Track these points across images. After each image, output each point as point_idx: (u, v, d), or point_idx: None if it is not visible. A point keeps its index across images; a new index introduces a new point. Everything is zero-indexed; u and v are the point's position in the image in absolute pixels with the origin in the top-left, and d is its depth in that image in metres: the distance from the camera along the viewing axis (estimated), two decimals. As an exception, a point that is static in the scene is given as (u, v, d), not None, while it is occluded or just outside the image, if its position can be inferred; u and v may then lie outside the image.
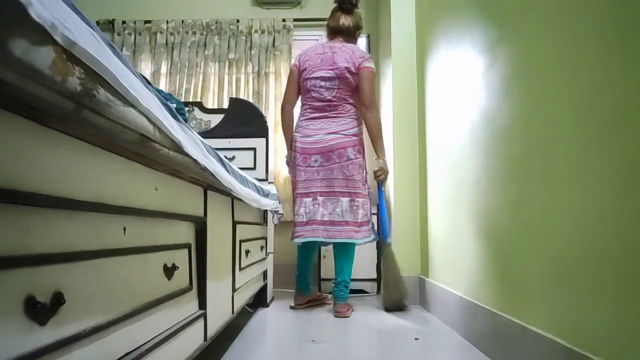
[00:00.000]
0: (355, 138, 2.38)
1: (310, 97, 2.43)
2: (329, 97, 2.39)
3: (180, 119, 0.81)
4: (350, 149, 2.35)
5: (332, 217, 2.33)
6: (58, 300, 0.51)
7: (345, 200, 2.33)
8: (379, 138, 2.39)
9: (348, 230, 2.32)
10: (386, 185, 2.59)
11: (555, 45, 1.13)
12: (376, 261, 2.98)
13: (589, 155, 0.99)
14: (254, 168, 2.71)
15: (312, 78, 2.41)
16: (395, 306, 2.35)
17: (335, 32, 2.50)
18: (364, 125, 2.42)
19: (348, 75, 2.35)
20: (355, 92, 2.39)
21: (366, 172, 2.44)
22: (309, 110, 2.44)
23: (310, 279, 2.54)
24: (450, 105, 2.03)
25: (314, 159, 2.38)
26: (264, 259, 2.41)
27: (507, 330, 1.37)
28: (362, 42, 3.59)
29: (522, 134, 1.31)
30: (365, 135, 2.45)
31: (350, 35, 2.49)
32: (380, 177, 2.44)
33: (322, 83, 2.39)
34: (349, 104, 2.40)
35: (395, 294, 2.35)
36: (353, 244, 2.35)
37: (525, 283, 1.28)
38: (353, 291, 2.94)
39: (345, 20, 2.48)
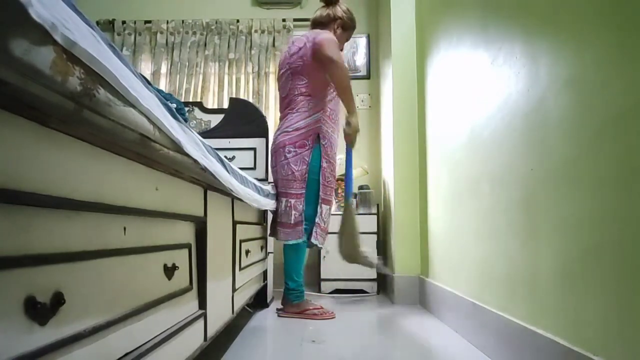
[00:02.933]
0: (297, 132, 2.26)
1: (280, 98, 2.44)
2: (285, 94, 2.36)
3: (180, 119, 0.81)
4: (290, 146, 2.26)
5: (275, 215, 2.34)
6: (58, 300, 0.51)
7: (283, 200, 2.27)
8: (343, 92, 2.23)
9: (284, 232, 2.29)
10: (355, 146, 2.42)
11: (557, 42, 1.13)
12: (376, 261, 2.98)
13: (589, 154, 0.99)
14: (254, 168, 2.71)
15: (278, 78, 2.43)
16: (351, 258, 2.43)
17: (311, 25, 2.47)
18: (319, 113, 2.28)
19: (299, 62, 2.25)
20: (309, 78, 2.26)
21: (328, 163, 2.32)
22: (281, 111, 2.44)
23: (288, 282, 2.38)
24: (451, 105, 2.03)
25: (272, 159, 2.38)
26: (264, 259, 2.41)
27: (507, 331, 1.37)
28: (362, 42, 3.60)
29: (523, 133, 1.31)
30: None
31: (324, 25, 2.39)
32: (349, 137, 2.33)
33: (283, 80, 2.36)
34: (302, 94, 2.28)
35: (350, 247, 2.41)
36: (289, 246, 2.30)
37: (526, 283, 1.28)
38: (353, 291, 2.95)
39: (319, 12, 2.43)
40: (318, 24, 2.42)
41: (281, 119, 2.40)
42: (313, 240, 2.29)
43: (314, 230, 2.29)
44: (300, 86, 2.29)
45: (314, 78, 2.27)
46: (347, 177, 2.45)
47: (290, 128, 2.28)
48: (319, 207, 2.30)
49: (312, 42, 2.22)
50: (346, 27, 2.43)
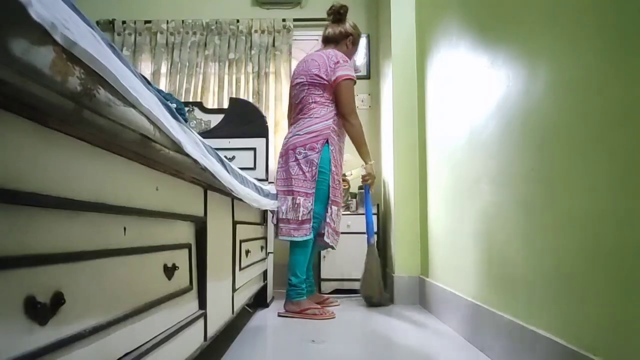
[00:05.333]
0: (309, 135, 2.36)
1: (292, 104, 2.55)
2: (299, 100, 2.47)
3: (180, 119, 0.81)
4: (300, 148, 2.36)
5: (279, 214, 2.40)
6: (58, 300, 0.51)
7: (290, 198, 2.35)
8: (361, 145, 2.48)
9: (289, 229, 2.34)
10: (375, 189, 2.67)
11: (556, 43, 1.13)
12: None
13: (589, 154, 0.99)
14: (254, 168, 2.71)
15: (292, 86, 2.54)
16: (371, 303, 2.54)
17: (324, 41, 2.62)
18: (329, 120, 2.39)
19: (317, 79, 2.40)
20: (325, 90, 2.41)
21: (336, 167, 2.40)
22: (292, 117, 2.55)
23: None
24: (451, 105, 2.03)
25: (281, 160, 2.46)
26: (264, 259, 2.41)
27: (507, 331, 1.37)
28: (362, 42, 3.58)
29: (522, 133, 1.31)
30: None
31: (337, 42, 2.56)
32: (368, 181, 2.58)
33: (297, 88, 2.48)
34: (315, 102, 2.41)
35: (372, 292, 2.53)
36: (295, 242, 2.34)
37: (526, 283, 1.28)
38: (353, 291, 2.95)
39: (331, 29, 2.58)
40: (332, 41, 2.57)
41: (292, 124, 2.52)
42: (325, 239, 2.39)
43: (325, 229, 2.39)
44: (315, 95, 2.42)
45: (330, 94, 2.41)
46: (366, 219, 2.60)
47: (302, 132, 2.39)
48: (329, 208, 2.38)
49: (334, 74, 2.37)
50: (355, 42, 2.62)
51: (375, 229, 3.02)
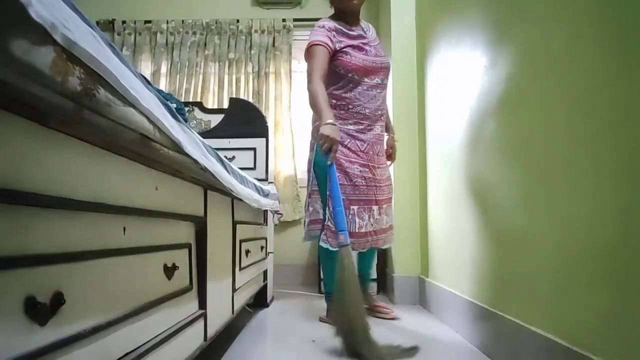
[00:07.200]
0: (311, 131, 2.20)
1: None
2: None
3: (180, 119, 0.81)
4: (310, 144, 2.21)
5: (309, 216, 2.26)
6: (58, 300, 0.51)
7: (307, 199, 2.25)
8: (313, 108, 2.00)
9: (305, 230, 2.26)
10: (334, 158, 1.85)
11: (555, 44, 1.13)
12: (376, 261, 2.97)
13: (587, 154, 0.99)
14: (254, 168, 2.71)
15: None
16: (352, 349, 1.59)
17: None
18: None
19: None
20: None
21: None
22: None
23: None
24: (450, 105, 2.03)
25: None
26: (264, 259, 2.41)
27: (507, 330, 1.37)
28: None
29: (521, 133, 1.31)
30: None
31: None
32: (322, 145, 1.86)
33: None
34: None
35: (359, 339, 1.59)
36: (319, 248, 2.18)
37: (525, 283, 1.28)
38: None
39: None
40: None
41: None
42: (321, 243, 2.08)
43: (322, 232, 2.08)
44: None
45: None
46: (332, 203, 1.86)
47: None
48: (327, 208, 2.06)
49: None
50: None
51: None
